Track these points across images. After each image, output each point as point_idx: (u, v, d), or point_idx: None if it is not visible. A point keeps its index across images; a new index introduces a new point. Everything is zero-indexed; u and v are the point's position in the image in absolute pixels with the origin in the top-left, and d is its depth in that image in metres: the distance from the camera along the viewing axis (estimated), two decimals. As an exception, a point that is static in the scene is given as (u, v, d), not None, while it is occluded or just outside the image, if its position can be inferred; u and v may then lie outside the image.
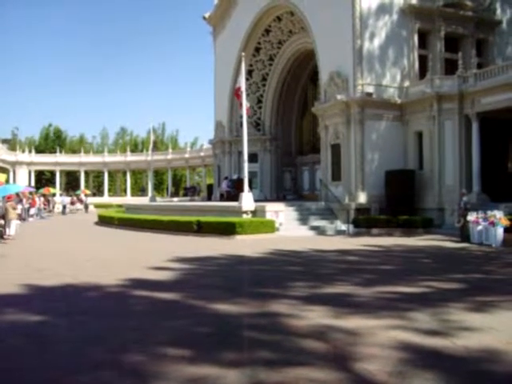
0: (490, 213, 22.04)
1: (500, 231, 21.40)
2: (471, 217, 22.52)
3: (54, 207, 60.01)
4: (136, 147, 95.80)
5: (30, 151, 79.40)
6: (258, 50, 43.97)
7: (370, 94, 30.51)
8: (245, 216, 27.00)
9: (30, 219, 42.60)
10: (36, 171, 79.96)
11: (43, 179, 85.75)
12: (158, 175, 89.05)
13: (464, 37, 33.68)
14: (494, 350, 6.74)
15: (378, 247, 20.39)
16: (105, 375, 6.00)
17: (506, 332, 7.64)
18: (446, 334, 7.49)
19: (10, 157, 75.45)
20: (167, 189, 78.57)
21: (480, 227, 22.02)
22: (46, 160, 79.49)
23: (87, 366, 6.29)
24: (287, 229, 26.32)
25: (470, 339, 7.24)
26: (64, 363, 6.46)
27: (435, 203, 28.61)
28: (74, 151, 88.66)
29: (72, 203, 63.25)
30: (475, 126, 27.61)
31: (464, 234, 22.85)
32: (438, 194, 28.71)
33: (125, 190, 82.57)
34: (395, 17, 31.67)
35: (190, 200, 53.77)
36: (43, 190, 64.28)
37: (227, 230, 24.62)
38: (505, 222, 21.39)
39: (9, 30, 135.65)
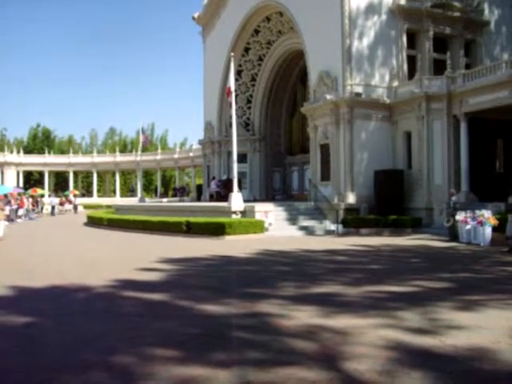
0: (478, 212, 22.17)
1: (488, 230, 21.52)
2: (460, 216, 22.63)
3: (42, 208, 59.71)
4: (125, 148, 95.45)
5: (18, 152, 78.96)
6: (247, 50, 43.97)
7: (359, 94, 30.61)
8: (234, 216, 26.99)
9: (19, 220, 42.37)
10: (24, 172, 79.58)
11: (32, 180, 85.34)
12: (148, 176, 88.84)
13: (452, 37, 33.85)
14: (482, 349, 6.77)
15: (366, 247, 20.44)
16: (94, 376, 5.96)
17: (493, 331, 7.67)
18: (434, 333, 7.52)
19: (-2, 158, 75.13)
20: (156, 189, 78.35)
21: (468, 226, 22.14)
22: (35, 161, 79.11)
23: (76, 367, 6.25)
24: (276, 229, 26.33)
25: (459, 338, 7.27)
26: (53, 364, 6.42)
27: (424, 203, 28.71)
28: (63, 152, 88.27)
29: (61, 204, 63.00)
30: (463, 126, 27.76)
31: (452, 234, 22.97)
32: (427, 193, 28.82)
33: (114, 191, 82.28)
34: (384, 17, 31.78)
35: (180, 200, 53.73)
36: (30, 191, 63.93)
37: (217, 230, 24.60)
38: (493, 221, 21.51)
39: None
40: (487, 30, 34.90)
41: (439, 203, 27.48)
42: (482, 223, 21.55)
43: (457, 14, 33.49)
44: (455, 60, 31.28)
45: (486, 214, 21.84)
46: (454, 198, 24.03)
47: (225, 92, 31.52)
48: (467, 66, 31.07)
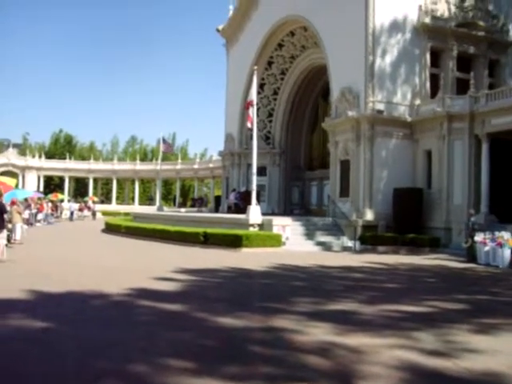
0: (497, 234, 21.97)
1: (507, 252, 21.29)
2: (479, 237, 22.43)
3: (61, 213, 60.26)
4: (145, 156, 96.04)
5: (39, 156, 79.79)
6: (270, 63, 44.17)
7: (380, 112, 30.58)
8: (252, 229, 26.98)
9: (38, 224, 42.78)
10: (45, 176, 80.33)
11: (52, 185, 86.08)
12: (167, 185, 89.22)
13: (476, 57, 33.70)
14: (497, 374, 6.71)
15: (383, 265, 20.33)
16: (108, 385, 6.02)
17: (510, 355, 7.60)
18: (449, 356, 7.46)
19: (20, 161, 75.89)
20: (174, 199, 78.63)
21: (487, 248, 21.93)
22: (56, 166, 79.83)
23: (91, 375, 6.31)
24: (293, 243, 26.27)
25: (474, 361, 7.21)
26: (68, 371, 6.48)
27: (443, 222, 28.52)
28: (84, 158, 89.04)
29: (80, 210, 63.55)
30: (485, 147, 27.55)
31: (471, 255, 22.74)
32: (446, 213, 28.63)
33: (133, 199, 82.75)
34: (408, 35, 31.77)
35: (198, 211, 53.81)
36: (51, 196, 64.51)
37: (234, 242, 24.61)
38: (512, 243, 21.30)
39: (21, 36, 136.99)
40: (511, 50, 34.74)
41: (458, 223, 27.23)
42: (501, 245, 21.34)
43: (481, 33, 33.38)
44: (479, 80, 31.13)
45: (506, 236, 21.64)
46: (473, 219, 23.85)
47: (245, 105, 31.58)
48: (491, 86, 30.93)
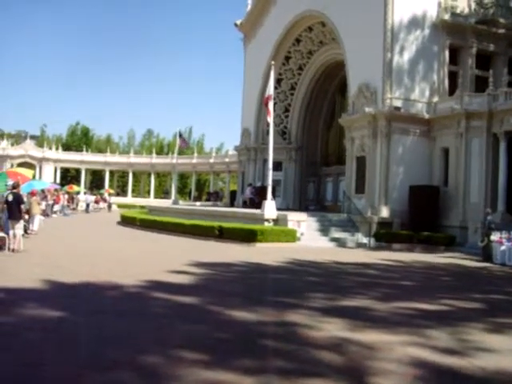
0: (514, 234, 21.81)
1: (524, 253, 21.14)
2: (495, 236, 22.28)
3: (77, 205, 60.67)
4: (162, 150, 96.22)
5: (56, 148, 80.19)
6: (287, 58, 44.08)
7: (397, 108, 30.40)
8: (267, 224, 26.98)
9: (54, 215, 43.09)
10: (62, 168, 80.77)
11: (68, 176, 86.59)
12: (182, 179, 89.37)
13: (496, 54, 33.40)
14: (511, 373, 6.68)
15: (398, 262, 20.26)
16: (121, 375, 6.06)
17: (524, 355, 7.56)
18: (463, 354, 7.43)
19: (38, 153, 76.39)
20: (190, 192, 78.75)
21: (503, 247, 21.77)
22: (73, 158, 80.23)
23: (104, 365, 6.36)
24: (308, 239, 26.25)
25: (488, 360, 7.17)
26: (81, 361, 6.53)
27: (458, 221, 28.32)
28: (100, 150, 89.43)
29: (96, 202, 63.91)
30: (503, 145, 27.31)
31: (486, 254, 22.59)
32: (462, 211, 28.42)
33: (148, 192, 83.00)
34: (427, 31, 31.54)
35: (213, 205, 53.87)
36: (67, 188, 64.91)
37: (248, 236, 24.62)
38: (529, 243, 21.13)
39: (38, 29, 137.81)
40: (532, 48, 34.36)
41: (474, 222, 27.05)
42: (517, 245, 21.19)
43: (502, 31, 33.04)
44: (498, 78, 30.77)
45: (522, 236, 21.48)
46: (489, 218, 23.68)
47: (263, 99, 31.58)
48: (510, 84, 30.61)
